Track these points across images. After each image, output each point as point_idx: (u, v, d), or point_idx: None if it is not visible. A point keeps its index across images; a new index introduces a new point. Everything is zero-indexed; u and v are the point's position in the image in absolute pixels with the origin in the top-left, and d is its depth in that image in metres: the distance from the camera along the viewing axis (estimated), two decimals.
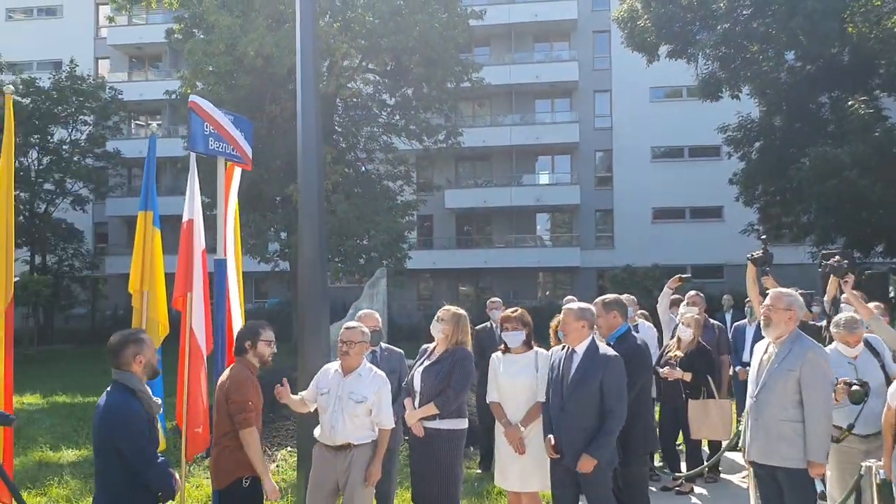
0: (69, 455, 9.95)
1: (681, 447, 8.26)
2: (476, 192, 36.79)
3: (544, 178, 38.36)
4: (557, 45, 37.93)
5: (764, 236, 7.86)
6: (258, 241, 22.87)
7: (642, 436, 5.77)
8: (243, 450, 4.66)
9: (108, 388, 4.10)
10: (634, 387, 5.54)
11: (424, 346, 5.92)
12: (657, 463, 8.61)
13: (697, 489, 7.79)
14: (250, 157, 6.05)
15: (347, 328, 5.24)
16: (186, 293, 6.11)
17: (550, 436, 5.16)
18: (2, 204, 5.07)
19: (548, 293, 37.24)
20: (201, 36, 22.77)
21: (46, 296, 28.23)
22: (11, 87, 5.23)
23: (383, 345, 6.17)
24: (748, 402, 5.07)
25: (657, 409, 8.29)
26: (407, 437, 6.05)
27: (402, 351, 6.11)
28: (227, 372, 4.94)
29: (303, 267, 6.58)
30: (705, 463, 7.66)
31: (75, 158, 32.58)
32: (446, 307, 5.75)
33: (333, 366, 5.31)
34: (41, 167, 32.24)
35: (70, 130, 32.37)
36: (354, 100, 24.26)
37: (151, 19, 37.42)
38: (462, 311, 5.72)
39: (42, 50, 37.38)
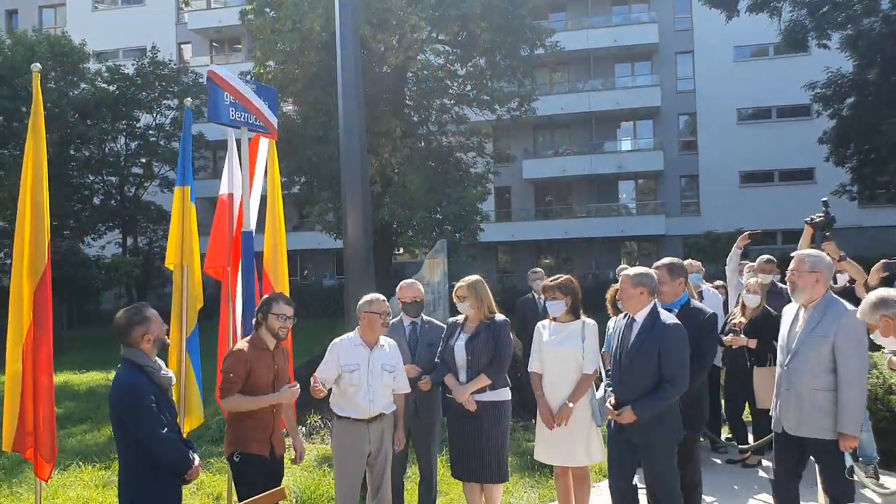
0: None
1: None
2: (555, 161, 36.23)
3: (626, 145, 37.43)
4: (636, 6, 36.76)
5: (825, 199, 7.29)
6: (335, 218, 23.03)
7: (703, 412, 5.52)
8: (235, 425, 4.65)
9: (119, 366, 4.08)
10: (702, 359, 5.17)
11: (451, 319, 5.76)
12: (725, 435, 8.25)
13: (766, 461, 7.39)
14: (275, 126, 5.93)
15: (378, 300, 5.22)
16: (223, 265, 6.10)
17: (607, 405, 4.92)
18: (37, 182, 5.11)
19: (636, 262, 36.43)
20: (272, 14, 22.91)
21: (137, 276, 29.18)
22: (38, 64, 5.25)
23: (424, 317, 5.99)
24: (777, 370, 4.70)
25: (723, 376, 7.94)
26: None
27: (443, 325, 5.91)
28: None
29: (348, 245, 6.53)
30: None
31: (161, 142, 33.45)
32: (459, 283, 5.54)
33: (350, 340, 5.22)
34: (129, 152, 33.30)
35: (155, 115, 33.26)
36: (425, 72, 24.03)
37: (230, 2, 38.05)
38: (476, 277, 5.52)
39: (127, 37, 38.42)
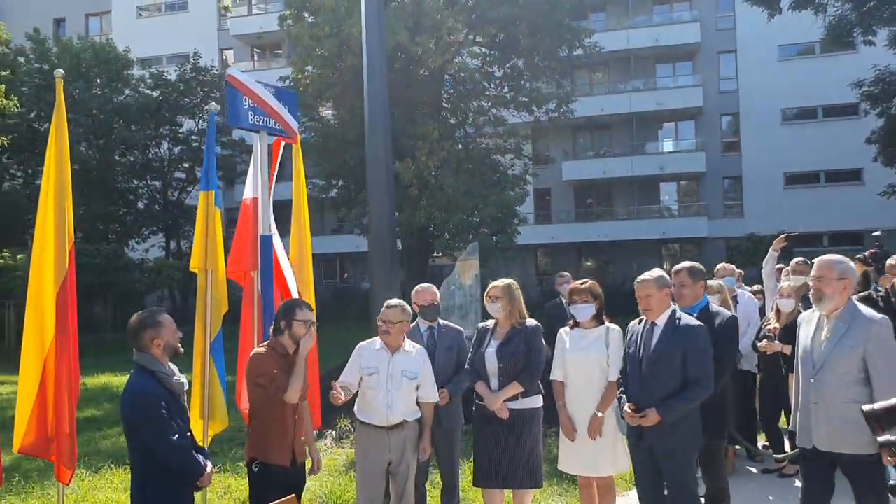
0: None
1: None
2: (595, 162, 35.95)
3: (668, 146, 36.94)
4: (678, 5, 36.28)
5: (878, 233, 6.99)
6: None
7: (724, 418, 5.34)
8: (257, 432, 4.52)
9: (132, 371, 4.07)
10: (722, 363, 5.04)
11: (481, 324, 5.64)
12: (762, 443, 8.03)
13: None
14: (295, 130, 5.91)
15: (388, 307, 5.09)
16: (247, 269, 6.09)
17: (626, 409, 4.76)
18: (60, 188, 5.15)
19: (667, 266, 35.95)
20: (310, 20, 23.07)
21: (179, 279, 29.56)
22: (62, 70, 5.29)
23: (441, 321, 5.91)
24: (802, 384, 4.48)
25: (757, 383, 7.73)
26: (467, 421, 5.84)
27: (460, 328, 5.85)
28: None
29: (372, 248, 6.50)
30: None
31: (202, 148, 33.87)
32: (493, 283, 5.44)
33: (373, 344, 5.16)
34: (172, 157, 33.80)
35: (197, 121, 33.70)
36: (462, 74, 23.99)
37: (270, 8, 38.43)
38: (510, 281, 5.41)
39: (170, 44, 38.98)
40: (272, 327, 4.71)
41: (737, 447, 7.64)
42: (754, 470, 7.46)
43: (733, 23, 34.56)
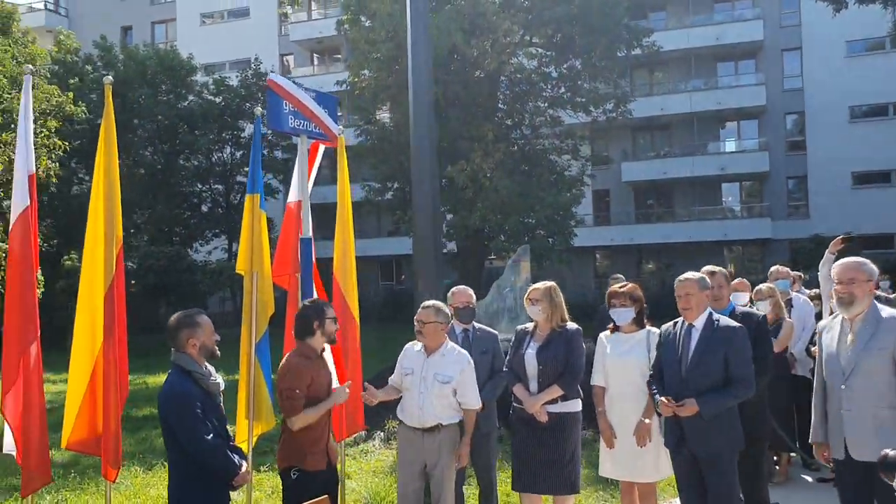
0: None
1: None
2: (655, 163, 35.41)
3: (730, 146, 36.21)
4: (739, 3, 35.51)
5: None
6: None
7: (764, 420, 5.21)
8: (292, 439, 4.50)
9: (169, 371, 4.14)
10: (763, 364, 5.07)
11: (520, 327, 5.59)
12: None
13: None
14: (335, 133, 5.93)
15: (422, 307, 5.08)
16: (291, 272, 6.15)
17: (662, 398, 4.66)
18: (109, 191, 5.27)
19: (745, 267, 35.17)
20: (367, 24, 23.27)
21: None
22: (111, 77, 5.42)
23: (476, 324, 5.87)
24: (831, 392, 4.29)
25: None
26: (501, 425, 5.79)
27: (495, 332, 5.81)
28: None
29: (416, 250, 6.51)
30: None
31: (264, 152, 34.46)
32: (534, 285, 5.38)
33: (416, 345, 5.16)
34: (234, 161, 34.44)
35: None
36: (518, 75, 23.92)
37: (330, 13, 38.90)
38: (551, 284, 5.34)
39: (233, 50, 39.76)
40: (299, 330, 4.67)
41: (792, 455, 7.45)
42: (810, 479, 7.25)
43: (798, 19, 33.75)
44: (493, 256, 25.07)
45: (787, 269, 7.97)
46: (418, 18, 6.91)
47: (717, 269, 5.49)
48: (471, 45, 21.11)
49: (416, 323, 5.08)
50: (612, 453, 5.13)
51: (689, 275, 4.84)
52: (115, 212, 5.25)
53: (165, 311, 28.67)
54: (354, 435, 8.68)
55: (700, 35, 34.23)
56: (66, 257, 23.87)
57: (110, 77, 5.41)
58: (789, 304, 7.48)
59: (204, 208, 34.95)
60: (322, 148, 6.17)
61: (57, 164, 25.18)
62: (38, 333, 4.91)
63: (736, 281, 7.71)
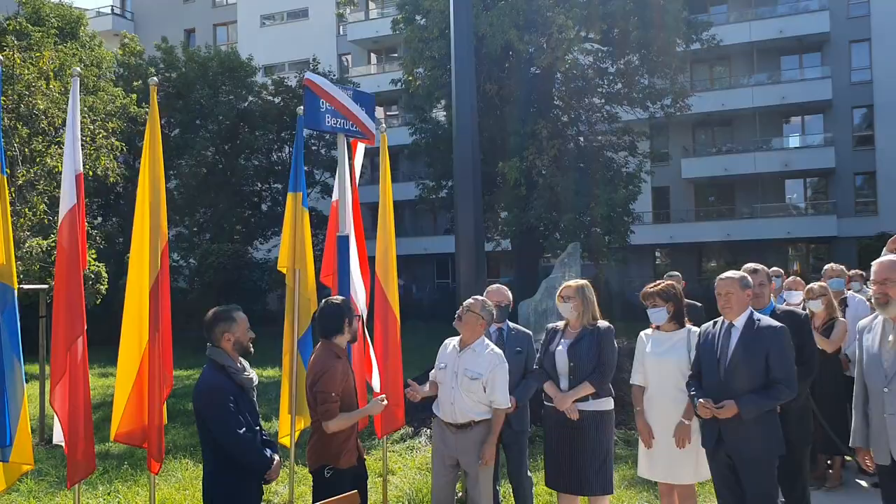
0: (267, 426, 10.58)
1: None
2: (716, 159, 34.70)
3: (794, 141, 35.26)
4: None
5: None
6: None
7: (808, 424, 5.05)
8: (325, 438, 4.51)
9: (204, 366, 4.21)
10: (807, 365, 4.98)
11: (550, 325, 5.54)
12: None
13: None
14: (372, 131, 5.96)
15: (473, 298, 5.15)
16: (332, 271, 6.20)
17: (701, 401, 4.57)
18: (154, 190, 5.38)
19: (810, 266, 34.25)
20: (421, 22, 23.32)
21: None
22: (156, 78, 5.55)
23: (510, 323, 5.83)
24: (873, 396, 4.13)
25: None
26: (536, 423, 5.75)
27: (529, 332, 5.77)
28: (312, 357, 4.77)
29: (459, 247, 6.51)
30: None
31: (322, 151, 34.84)
32: (566, 283, 5.33)
33: (453, 341, 5.17)
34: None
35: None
36: (574, 71, 23.68)
37: (386, 12, 39.12)
38: (584, 282, 5.29)
39: (292, 51, 40.29)
40: (329, 328, 4.64)
41: (847, 458, 7.22)
42: (865, 484, 7.02)
43: (867, 10, 32.68)
44: (548, 255, 24.87)
45: (842, 267, 7.74)
46: (461, 14, 6.89)
47: (759, 267, 5.37)
48: (524, 42, 20.96)
49: (460, 307, 5.08)
50: (650, 454, 5.05)
51: (730, 273, 4.75)
52: (159, 208, 5.37)
53: None
54: (400, 431, 8.76)
55: (763, 28, 33.43)
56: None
57: (156, 79, 5.54)
58: (844, 303, 7.26)
59: (264, 207, 35.46)
60: (362, 147, 6.17)
61: (115, 163, 25.87)
62: (85, 328, 5.05)
63: (789, 279, 7.53)
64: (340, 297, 4.89)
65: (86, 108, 20.45)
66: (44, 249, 10.89)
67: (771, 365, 4.46)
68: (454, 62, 6.83)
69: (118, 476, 7.88)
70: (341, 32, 41.53)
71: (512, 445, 5.61)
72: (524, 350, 5.62)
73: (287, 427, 6.10)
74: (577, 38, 22.68)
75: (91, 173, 24.69)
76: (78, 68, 5.84)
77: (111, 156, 18.67)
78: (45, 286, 10.04)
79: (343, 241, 5.83)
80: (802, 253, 34.95)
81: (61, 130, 12.75)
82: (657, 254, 36.71)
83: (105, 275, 17.89)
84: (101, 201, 30.71)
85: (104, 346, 12.60)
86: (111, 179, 24.25)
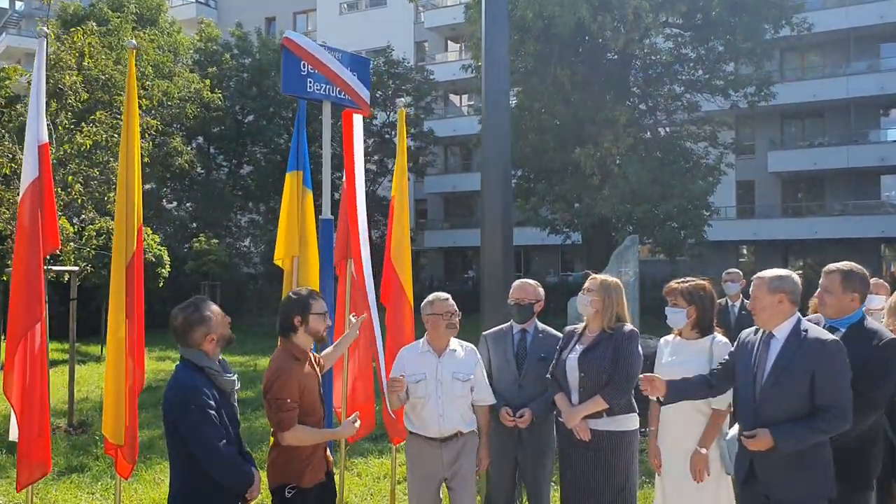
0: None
1: None
2: (806, 153, 32.77)
3: (892, 134, 33.02)
4: None
5: None
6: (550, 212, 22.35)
7: (870, 461, 4.09)
8: (286, 453, 3.86)
9: (177, 364, 3.63)
10: (871, 397, 3.85)
11: (569, 327, 4.75)
12: None
13: None
14: (366, 100, 5.26)
15: (437, 300, 4.53)
16: (341, 258, 5.63)
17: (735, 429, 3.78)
18: (130, 156, 4.87)
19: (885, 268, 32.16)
20: None
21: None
22: (135, 41, 5.05)
23: (539, 324, 4.94)
24: None
25: None
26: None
27: (559, 334, 4.81)
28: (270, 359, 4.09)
29: (485, 240, 5.88)
30: None
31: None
32: (594, 275, 4.55)
33: (416, 347, 4.57)
34: (367, 149, 34.67)
35: (388, 113, 34.34)
36: (652, 57, 22.58)
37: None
38: (614, 279, 4.50)
39: (370, 38, 39.96)
40: (279, 326, 4.00)
41: None
42: None
43: None
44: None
45: None
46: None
47: (836, 267, 4.22)
48: (598, 23, 19.98)
49: (442, 317, 4.47)
50: (665, 487, 4.27)
51: (763, 273, 3.84)
52: (134, 189, 4.86)
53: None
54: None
55: (861, 13, 31.30)
56: (195, 239, 24.60)
57: (134, 41, 5.00)
58: None
59: (336, 195, 35.37)
60: (359, 119, 5.44)
61: (186, 148, 26.01)
62: (44, 314, 4.60)
63: (873, 281, 6.55)
64: (306, 290, 4.18)
65: (160, 94, 20.48)
66: (76, 230, 10.67)
67: (817, 387, 3.55)
68: (484, 47, 6.29)
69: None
70: (419, 20, 41.13)
71: (528, 468, 4.81)
72: (549, 356, 4.72)
73: None
74: (656, 22, 21.58)
75: (168, 159, 24.97)
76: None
77: (182, 141, 18.60)
78: (77, 268, 9.83)
79: (326, 225, 5.21)
80: None
81: (116, 105, 12.35)
82: (743, 251, 35.03)
83: (168, 259, 17.88)
84: (176, 185, 31.07)
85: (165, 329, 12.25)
86: (181, 163, 24.38)
